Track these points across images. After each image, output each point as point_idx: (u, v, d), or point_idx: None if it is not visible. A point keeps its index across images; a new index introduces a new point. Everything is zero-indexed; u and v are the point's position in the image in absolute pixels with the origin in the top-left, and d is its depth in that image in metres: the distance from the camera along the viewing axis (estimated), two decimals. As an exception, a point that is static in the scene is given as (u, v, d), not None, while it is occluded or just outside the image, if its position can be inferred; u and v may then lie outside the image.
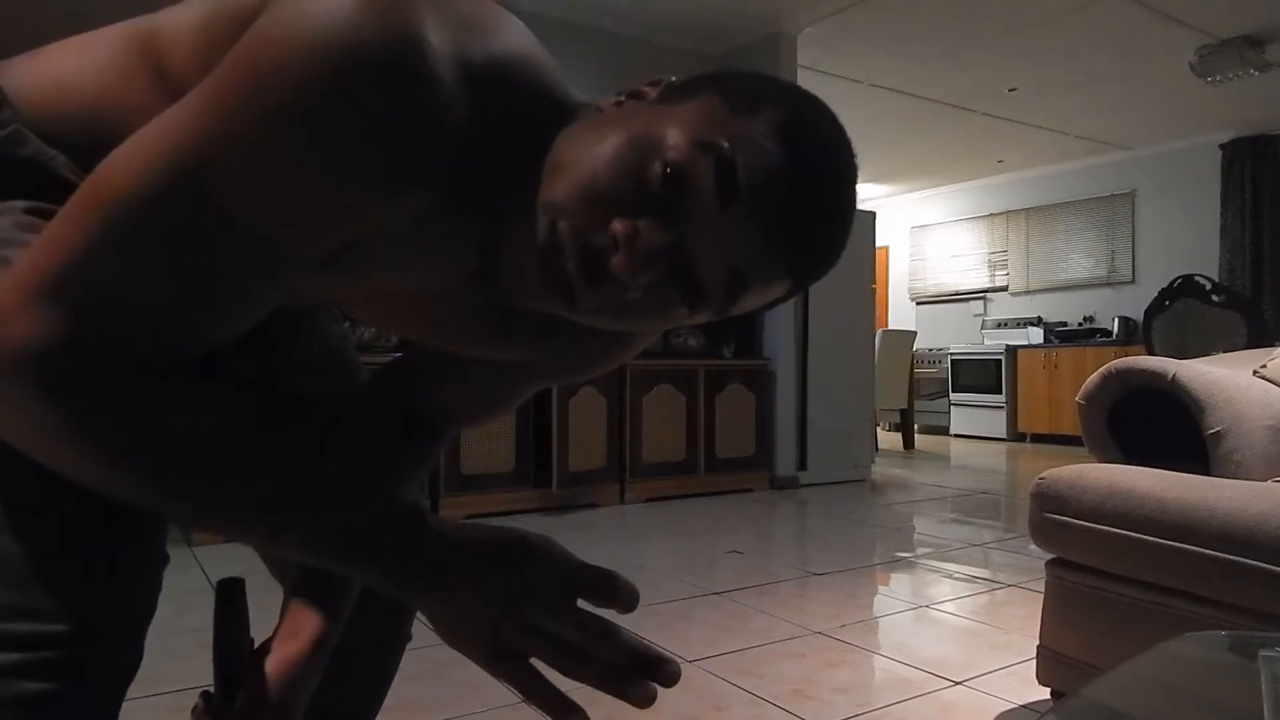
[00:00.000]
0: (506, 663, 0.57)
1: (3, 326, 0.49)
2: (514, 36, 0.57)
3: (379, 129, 0.49)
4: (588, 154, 0.55)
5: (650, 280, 0.54)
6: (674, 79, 0.59)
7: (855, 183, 0.59)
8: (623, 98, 0.60)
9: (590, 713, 0.56)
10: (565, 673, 0.55)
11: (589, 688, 0.54)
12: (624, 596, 0.54)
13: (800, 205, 0.55)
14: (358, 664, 0.84)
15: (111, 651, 0.62)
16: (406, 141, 0.50)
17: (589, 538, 3.36)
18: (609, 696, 0.54)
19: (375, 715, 0.90)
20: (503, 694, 1.64)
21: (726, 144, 0.53)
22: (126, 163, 0.51)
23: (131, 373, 0.52)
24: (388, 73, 0.48)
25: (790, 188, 0.54)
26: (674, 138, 0.54)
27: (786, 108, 0.56)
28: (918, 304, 9.39)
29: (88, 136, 0.61)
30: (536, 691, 0.57)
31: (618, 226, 0.53)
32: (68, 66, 0.66)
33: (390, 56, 0.48)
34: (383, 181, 0.51)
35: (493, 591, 0.55)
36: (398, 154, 0.50)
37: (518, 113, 0.57)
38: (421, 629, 1.82)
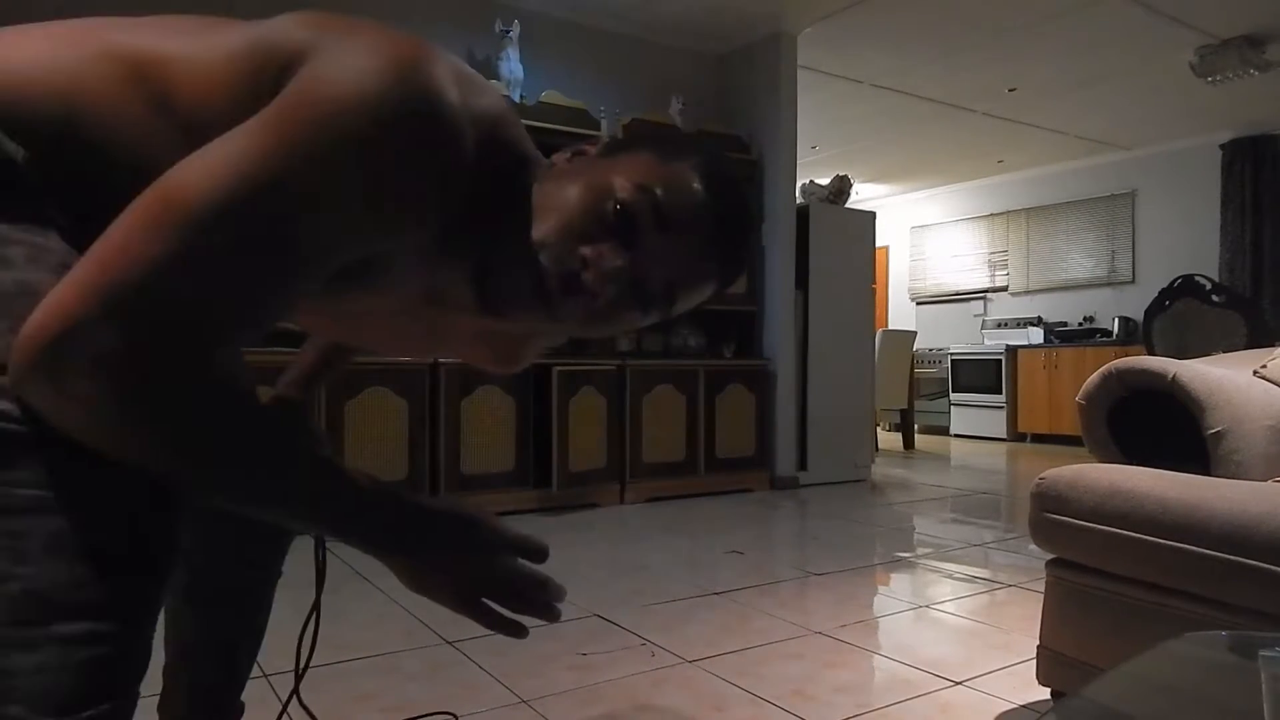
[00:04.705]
0: (470, 606, 0.74)
1: (76, 331, 0.52)
2: (496, 96, 0.72)
3: (414, 165, 0.60)
4: (559, 200, 0.72)
5: (614, 291, 0.71)
6: (608, 138, 0.77)
7: (751, 208, 0.81)
8: (570, 156, 0.77)
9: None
10: (512, 609, 0.76)
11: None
12: (542, 558, 0.76)
13: (719, 228, 0.74)
14: (249, 600, 1.11)
15: (156, 597, 0.63)
16: (434, 175, 0.62)
17: (589, 538, 3.36)
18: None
19: (262, 640, 1.15)
20: (503, 694, 1.64)
21: (660, 189, 0.71)
22: (198, 181, 0.56)
23: (203, 376, 0.57)
24: (418, 121, 0.60)
25: (712, 215, 0.73)
26: (620, 183, 0.71)
27: (702, 156, 0.75)
28: (918, 304, 9.39)
29: (50, 129, 0.62)
30: (497, 622, 0.76)
31: (586, 251, 0.70)
32: (28, 58, 0.64)
33: (419, 107, 0.60)
34: (415, 207, 0.63)
35: (461, 570, 0.73)
36: (428, 185, 0.62)
37: (501, 160, 0.72)
38: (420, 629, 1.81)
